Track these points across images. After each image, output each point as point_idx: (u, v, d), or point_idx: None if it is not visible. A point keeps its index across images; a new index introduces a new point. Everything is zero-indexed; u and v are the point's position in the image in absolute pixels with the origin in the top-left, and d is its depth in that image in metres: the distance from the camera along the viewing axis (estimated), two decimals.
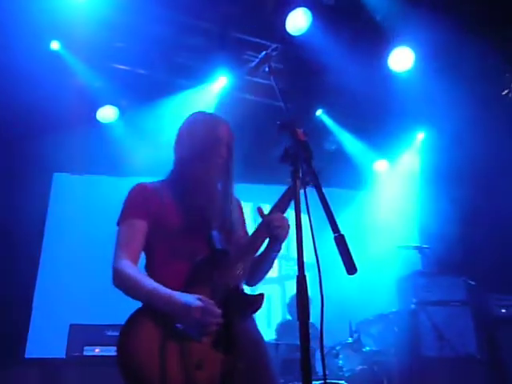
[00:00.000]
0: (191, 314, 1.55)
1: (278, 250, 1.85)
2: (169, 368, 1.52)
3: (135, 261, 1.76)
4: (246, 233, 2.01)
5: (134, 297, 1.68)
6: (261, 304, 1.73)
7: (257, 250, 1.82)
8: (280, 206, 1.82)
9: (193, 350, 1.57)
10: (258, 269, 1.92)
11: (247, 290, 1.89)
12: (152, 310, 1.62)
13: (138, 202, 1.84)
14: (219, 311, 1.60)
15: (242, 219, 2.05)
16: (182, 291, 1.64)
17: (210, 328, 1.58)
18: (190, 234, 1.80)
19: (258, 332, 1.87)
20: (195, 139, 1.90)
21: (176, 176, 1.92)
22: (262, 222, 1.79)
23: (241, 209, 2.08)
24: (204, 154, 1.87)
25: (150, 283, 1.67)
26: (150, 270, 1.82)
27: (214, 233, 1.80)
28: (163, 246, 1.81)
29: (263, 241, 1.80)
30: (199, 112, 2.06)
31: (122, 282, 1.69)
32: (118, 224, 1.84)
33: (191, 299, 1.58)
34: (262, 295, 1.75)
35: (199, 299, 1.59)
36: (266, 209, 1.87)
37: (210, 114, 2.06)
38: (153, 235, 1.81)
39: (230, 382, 1.57)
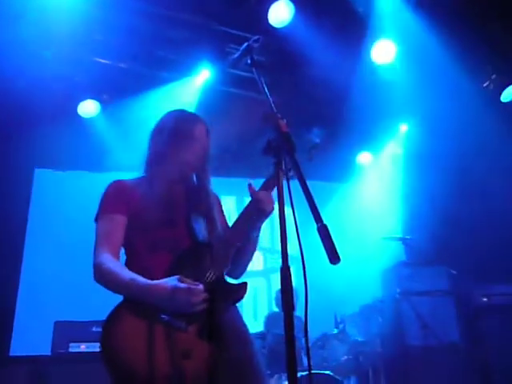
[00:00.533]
0: (176, 295, 1.55)
1: (258, 229, 1.88)
2: (155, 360, 1.51)
3: (116, 254, 1.75)
4: (227, 225, 2.01)
5: (115, 290, 1.67)
6: (244, 292, 1.74)
7: (244, 233, 1.82)
8: (267, 186, 1.85)
9: (178, 339, 1.56)
10: (241, 255, 1.90)
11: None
12: (133, 303, 1.62)
13: (116, 197, 1.84)
14: (202, 289, 1.60)
15: (222, 213, 2.06)
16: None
17: (197, 308, 1.58)
18: (171, 226, 1.81)
19: (242, 321, 1.87)
20: (169, 135, 1.92)
21: (151, 172, 1.92)
22: (252, 199, 1.81)
23: (220, 204, 2.08)
24: (177, 150, 1.89)
25: (129, 275, 1.66)
26: (131, 264, 1.79)
27: (195, 224, 1.81)
28: (143, 239, 1.80)
29: (251, 221, 1.81)
30: (177, 110, 2.07)
31: (101, 276, 1.68)
32: (96, 220, 1.83)
33: (173, 282, 1.58)
34: (245, 284, 1.75)
35: (181, 279, 1.59)
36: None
37: (188, 113, 2.06)
38: (132, 230, 1.81)
39: (216, 371, 1.57)
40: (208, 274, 1.70)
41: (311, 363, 3.80)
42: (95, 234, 1.79)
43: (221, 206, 2.09)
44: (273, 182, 1.82)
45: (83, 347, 4.03)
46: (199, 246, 1.79)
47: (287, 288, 1.23)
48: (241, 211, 1.85)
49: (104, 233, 1.78)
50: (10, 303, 5.01)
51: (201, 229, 1.84)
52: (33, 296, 5.04)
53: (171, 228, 1.81)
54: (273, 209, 1.81)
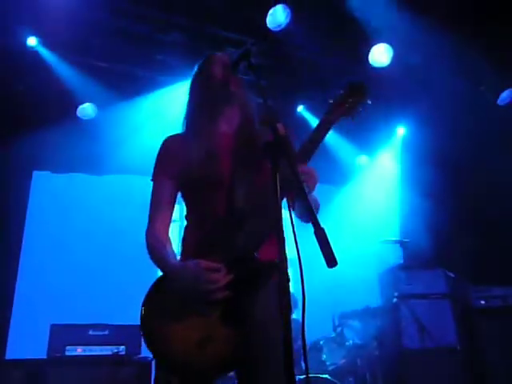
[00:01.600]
0: (194, 282, 1.54)
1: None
2: (176, 343, 1.53)
3: (163, 224, 1.80)
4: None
5: (154, 264, 1.72)
6: (274, 273, 1.50)
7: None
8: (305, 150, 1.68)
9: (199, 325, 1.55)
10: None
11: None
12: (165, 282, 1.65)
13: (166, 159, 1.86)
14: (221, 276, 1.55)
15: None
16: (195, 258, 1.61)
17: (216, 295, 1.54)
18: (214, 188, 1.76)
19: (273, 305, 1.57)
20: (193, 91, 1.95)
21: (190, 130, 1.90)
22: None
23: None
24: (206, 104, 1.87)
25: (161, 253, 1.69)
26: (183, 235, 1.86)
27: (238, 183, 1.72)
28: (190, 203, 1.85)
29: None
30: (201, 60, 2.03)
31: (147, 248, 1.76)
32: (152, 179, 1.87)
33: (192, 266, 1.56)
34: (276, 264, 1.43)
35: (198, 265, 1.56)
36: None
37: (206, 57, 2.01)
38: (183, 189, 1.86)
39: (238, 356, 1.54)
40: (238, 249, 1.61)
41: (309, 366, 3.81)
42: (151, 194, 1.85)
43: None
44: (310, 146, 1.67)
45: (80, 350, 4.01)
46: (235, 215, 1.68)
47: (285, 291, 1.22)
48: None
49: (156, 199, 1.84)
50: (6, 306, 4.98)
51: (243, 191, 1.72)
52: (29, 299, 5.02)
53: (214, 190, 1.75)
54: (316, 182, 1.65)
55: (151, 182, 1.88)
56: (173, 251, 1.73)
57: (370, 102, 1.79)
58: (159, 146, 1.90)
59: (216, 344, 1.53)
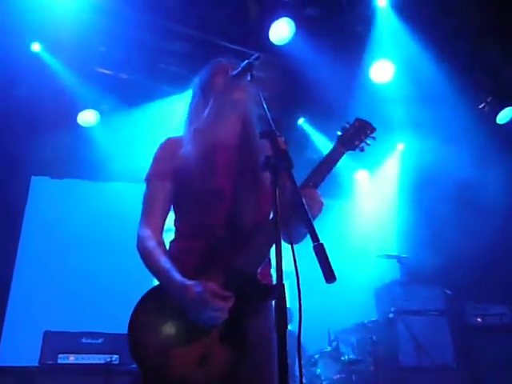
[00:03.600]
0: (201, 307, 1.47)
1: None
2: (171, 360, 1.48)
3: (158, 227, 1.72)
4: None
5: (149, 271, 1.64)
6: (273, 295, 1.44)
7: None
8: (316, 174, 1.71)
9: (199, 343, 1.51)
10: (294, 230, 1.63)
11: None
12: (162, 293, 1.58)
13: (163, 161, 1.78)
14: (227, 305, 1.49)
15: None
16: (194, 274, 1.56)
17: (218, 321, 1.50)
18: (210, 204, 1.70)
19: (269, 325, 1.67)
20: (195, 99, 1.91)
21: (189, 131, 1.83)
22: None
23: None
24: (207, 113, 1.83)
25: (163, 264, 1.59)
26: (172, 243, 1.76)
27: (239, 199, 1.68)
28: (182, 219, 1.77)
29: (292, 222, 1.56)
30: (212, 61, 1.99)
31: (140, 253, 1.67)
32: (146, 180, 1.79)
33: (200, 289, 1.47)
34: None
35: (208, 289, 1.47)
36: None
37: (209, 66, 1.97)
38: (176, 196, 1.76)
39: (234, 377, 1.50)
40: (240, 271, 1.56)
41: (304, 381, 3.77)
42: (143, 197, 1.77)
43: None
44: (323, 170, 1.70)
45: (72, 359, 3.98)
46: (236, 235, 1.64)
47: (281, 305, 1.22)
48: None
49: (150, 202, 1.75)
50: None
51: (244, 207, 1.68)
52: (23, 305, 4.99)
53: (211, 207, 1.69)
54: (321, 209, 1.66)
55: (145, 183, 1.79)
56: (170, 260, 1.62)
57: (375, 139, 1.87)
58: (158, 147, 1.83)
59: (213, 362, 1.50)
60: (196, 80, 1.97)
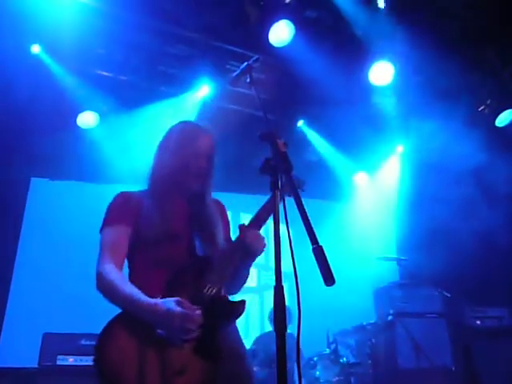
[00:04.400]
0: (173, 321, 1.53)
1: (251, 263, 1.88)
2: (147, 377, 1.51)
3: (119, 265, 1.76)
4: (229, 236, 2.01)
5: (114, 302, 1.67)
6: (243, 310, 1.72)
7: (233, 263, 1.79)
8: (259, 218, 1.83)
9: (173, 357, 1.56)
10: (235, 278, 1.89)
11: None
12: (130, 317, 1.61)
13: (122, 209, 1.86)
14: (199, 316, 1.58)
15: (225, 222, 2.04)
16: (162, 298, 1.63)
17: (191, 334, 1.56)
18: (171, 241, 1.80)
19: (238, 336, 1.86)
20: (169, 152, 1.93)
21: (154, 185, 1.93)
22: (237, 238, 1.80)
23: (224, 214, 2.07)
24: (179, 167, 1.89)
25: (130, 289, 1.65)
26: (131, 277, 1.82)
27: (196, 239, 1.81)
28: (143, 254, 1.81)
29: (240, 255, 1.80)
30: (183, 122, 2.07)
31: (102, 286, 1.69)
32: (101, 230, 1.85)
33: (172, 305, 1.56)
34: (243, 302, 1.74)
35: (178, 303, 1.57)
36: (248, 218, 1.88)
37: (194, 125, 2.05)
38: (134, 243, 1.82)
39: None
40: (206, 291, 1.69)
41: (302, 383, 3.77)
42: (100, 244, 1.81)
43: (225, 216, 2.07)
44: (267, 209, 1.82)
45: (71, 360, 3.97)
46: (198, 261, 1.78)
47: (280, 307, 1.22)
48: (231, 243, 1.87)
49: (108, 242, 1.80)
50: None
51: (201, 244, 1.83)
52: (22, 307, 4.98)
53: (172, 243, 1.80)
54: (263, 248, 1.82)
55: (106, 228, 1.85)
56: (134, 286, 1.68)
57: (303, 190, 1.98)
58: (113, 198, 1.91)
59: (192, 373, 1.55)
60: (172, 134, 2.01)
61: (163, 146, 1.98)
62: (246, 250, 1.78)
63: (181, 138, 1.95)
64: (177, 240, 1.82)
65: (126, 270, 1.87)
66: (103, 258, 1.75)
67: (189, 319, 1.55)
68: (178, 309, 1.55)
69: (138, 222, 1.81)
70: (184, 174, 1.90)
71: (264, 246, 1.82)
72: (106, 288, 1.68)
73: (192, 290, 1.68)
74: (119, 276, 1.71)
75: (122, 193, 1.93)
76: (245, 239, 1.77)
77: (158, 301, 1.59)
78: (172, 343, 1.56)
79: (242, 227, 1.80)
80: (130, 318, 1.61)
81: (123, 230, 1.81)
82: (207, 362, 1.58)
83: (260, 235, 1.82)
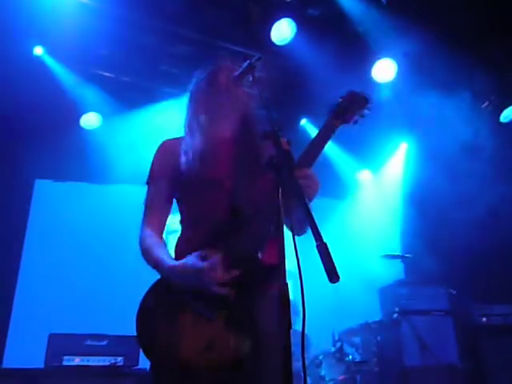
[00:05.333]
0: (198, 274, 1.52)
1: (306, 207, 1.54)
2: (179, 348, 1.51)
3: (158, 227, 1.77)
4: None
5: (151, 267, 1.68)
6: (278, 277, 1.40)
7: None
8: (308, 154, 1.71)
9: (205, 329, 1.53)
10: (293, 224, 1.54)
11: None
12: (163, 284, 1.63)
13: (162, 162, 1.84)
14: (218, 260, 1.54)
15: None
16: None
17: (222, 289, 1.53)
18: (211, 190, 1.74)
19: (276, 319, 1.56)
20: (196, 97, 1.91)
21: (190, 129, 1.87)
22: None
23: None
24: (209, 107, 1.85)
25: (158, 254, 1.66)
26: (179, 235, 1.82)
27: (240, 186, 1.71)
28: (186, 209, 1.81)
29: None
30: (206, 68, 1.99)
31: (141, 251, 1.72)
32: (147, 183, 1.85)
33: (192, 260, 1.56)
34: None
35: (201, 257, 1.55)
36: None
37: (210, 66, 1.98)
38: (179, 192, 1.82)
39: (240, 364, 1.50)
40: (242, 250, 1.59)
41: (308, 382, 3.77)
42: (144, 199, 1.83)
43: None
44: (314, 150, 1.70)
45: (77, 360, 3.98)
46: (237, 216, 1.66)
47: (285, 304, 1.22)
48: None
49: (150, 203, 1.81)
50: (4, 314, 4.96)
51: (244, 195, 1.70)
52: (28, 307, 5.00)
53: (212, 193, 1.73)
54: (317, 188, 1.64)
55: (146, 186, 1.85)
56: (168, 252, 1.69)
57: (368, 111, 1.82)
58: (156, 149, 1.89)
59: (220, 349, 1.51)
60: (197, 78, 1.98)
61: (192, 92, 1.96)
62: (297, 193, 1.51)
63: (205, 77, 1.93)
64: (218, 188, 1.73)
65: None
66: (144, 221, 1.78)
67: (212, 268, 1.53)
68: (200, 262, 1.54)
69: (179, 171, 1.76)
70: (219, 110, 1.84)
71: (318, 185, 1.65)
72: (143, 253, 1.71)
73: (228, 252, 1.60)
74: (154, 241, 1.71)
75: (163, 143, 1.90)
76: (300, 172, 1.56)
77: (181, 261, 1.59)
78: (204, 315, 1.54)
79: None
80: (163, 285, 1.62)
81: (161, 188, 1.80)
82: (240, 336, 1.51)
83: (312, 173, 1.65)
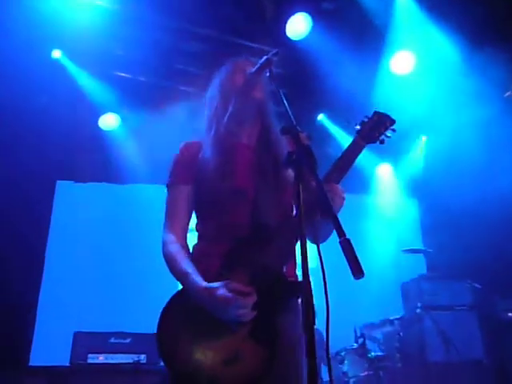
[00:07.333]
0: (225, 307, 1.49)
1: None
2: (199, 359, 1.49)
3: (181, 232, 1.74)
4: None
5: (172, 274, 1.66)
6: (302, 291, 1.45)
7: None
8: (337, 169, 1.71)
9: (226, 342, 1.51)
10: (316, 234, 1.61)
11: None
12: (187, 293, 1.59)
13: (183, 165, 1.80)
14: (250, 301, 1.50)
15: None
16: (218, 275, 1.58)
17: (246, 317, 1.50)
18: (234, 201, 1.71)
19: (298, 325, 1.61)
20: (220, 92, 1.87)
21: (211, 133, 1.82)
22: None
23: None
24: (228, 112, 1.82)
25: (185, 267, 1.61)
26: (196, 245, 1.77)
27: (262, 199, 1.69)
28: (206, 220, 1.77)
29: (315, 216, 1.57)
30: (223, 67, 1.97)
31: (165, 256, 1.69)
32: (167, 186, 1.82)
33: (222, 291, 1.49)
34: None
35: (229, 288, 1.50)
36: None
37: (231, 63, 1.96)
38: (198, 205, 1.78)
39: (263, 377, 1.48)
40: (265, 268, 1.57)
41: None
42: (165, 203, 1.80)
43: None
44: (343, 165, 1.70)
45: (101, 358, 4.04)
46: (261, 231, 1.65)
47: (308, 302, 1.20)
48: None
49: (170, 208, 1.78)
50: (30, 314, 5.06)
51: (267, 206, 1.68)
52: (53, 307, 5.09)
53: (235, 204, 1.70)
54: (342, 203, 1.68)
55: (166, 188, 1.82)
56: (192, 263, 1.64)
57: (395, 131, 1.82)
58: (178, 151, 1.85)
59: (243, 361, 1.49)
60: (214, 81, 1.94)
61: (208, 101, 1.92)
62: (323, 210, 1.49)
63: (221, 80, 1.89)
64: (240, 199, 1.70)
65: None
66: (166, 224, 1.75)
67: (241, 305, 1.49)
68: (229, 295, 1.49)
69: (200, 176, 1.73)
70: (236, 115, 1.80)
71: (343, 200, 1.69)
72: (166, 260, 1.68)
73: (251, 267, 1.57)
74: (179, 248, 1.68)
75: (184, 145, 1.86)
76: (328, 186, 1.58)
77: (208, 285, 1.53)
78: (226, 325, 1.52)
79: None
80: (187, 295, 1.59)
81: (184, 190, 1.76)
82: (263, 348, 1.49)
83: (339, 189, 1.68)
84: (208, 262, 1.64)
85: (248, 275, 1.56)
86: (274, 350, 1.51)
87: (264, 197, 1.71)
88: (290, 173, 1.52)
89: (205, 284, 1.55)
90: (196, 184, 1.76)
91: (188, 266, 1.62)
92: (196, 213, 1.81)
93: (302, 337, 1.44)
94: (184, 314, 1.57)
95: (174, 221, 1.74)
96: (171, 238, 1.70)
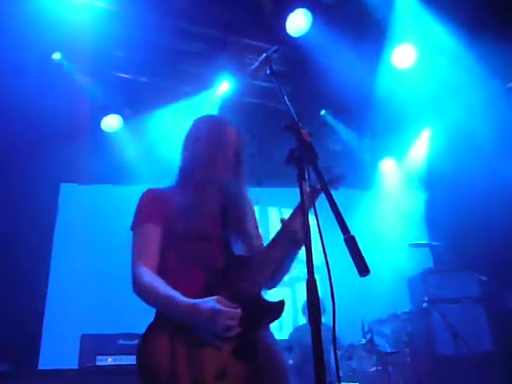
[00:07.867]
0: (213, 318, 1.52)
1: (295, 254, 1.81)
2: (189, 381, 1.51)
3: (153, 266, 1.73)
4: (259, 235, 1.97)
5: (152, 305, 1.66)
6: (282, 311, 1.69)
7: (275, 260, 1.75)
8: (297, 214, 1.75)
9: (213, 358, 1.55)
10: (277, 272, 1.83)
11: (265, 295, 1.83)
12: (168, 320, 1.60)
13: (151, 206, 1.82)
14: (240, 313, 1.57)
15: (255, 221, 2.00)
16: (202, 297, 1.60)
17: (232, 331, 1.55)
18: (205, 239, 1.77)
19: (274, 340, 1.81)
20: (200, 144, 1.88)
21: (183, 182, 1.88)
22: (280, 231, 1.73)
23: (253, 213, 2.02)
24: (210, 159, 1.85)
25: (168, 291, 1.62)
26: (164, 276, 1.75)
27: (231, 238, 1.77)
28: (177, 253, 1.77)
29: (283, 247, 1.74)
30: (206, 116, 2.04)
31: (139, 288, 1.68)
32: (132, 229, 1.83)
33: (211, 303, 1.54)
34: (282, 302, 1.70)
35: (219, 301, 1.55)
36: (273, 212, 1.85)
37: (217, 117, 2.04)
38: (166, 241, 1.78)
39: None
40: (243, 293, 1.66)
41: (340, 375, 3.74)
42: (132, 244, 1.80)
43: (254, 212, 2.02)
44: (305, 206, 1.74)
45: (110, 360, 4.05)
46: (235, 262, 1.75)
47: (314, 302, 1.20)
48: (272, 238, 1.76)
49: (140, 244, 1.78)
50: (37, 317, 5.08)
51: (236, 243, 1.80)
52: (60, 309, 5.11)
53: (205, 242, 1.76)
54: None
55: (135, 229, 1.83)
56: (171, 288, 1.66)
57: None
58: (141, 195, 1.88)
59: (230, 377, 1.54)
60: (199, 124, 1.98)
61: (190, 140, 1.94)
62: (291, 238, 1.70)
63: (206, 130, 1.91)
64: (210, 238, 1.78)
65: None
66: (137, 260, 1.73)
67: (230, 316, 1.54)
68: (220, 307, 1.54)
69: (169, 219, 1.77)
70: (213, 165, 1.85)
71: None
72: (143, 290, 1.66)
73: (231, 291, 1.65)
74: (155, 278, 1.68)
75: (149, 190, 1.88)
76: (290, 227, 1.69)
77: (199, 301, 1.57)
78: (211, 344, 1.55)
79: (283, 220, 1.74)
80: (169, 321, 1.60)
81: (153, 230, 1.77)
82: (247, 365, 1.56)
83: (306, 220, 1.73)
84: (185, 288, 1.64)
85: (229, 298, 1.61)
86: (258, 364, 1.58)
87: (229, 236, 1.80)
88: (252, 214, 1.93)
89: (192, 301, 1.58)
90: (165, 226, 1.78)
91: (170, 290, 1.63)
92: (163, 253, 1.80)
93: (279, 349, 1.74)
94: (167, 339, 1.59)
95: (146, 256, 1.74)
96: (145, 270, 1.70)
